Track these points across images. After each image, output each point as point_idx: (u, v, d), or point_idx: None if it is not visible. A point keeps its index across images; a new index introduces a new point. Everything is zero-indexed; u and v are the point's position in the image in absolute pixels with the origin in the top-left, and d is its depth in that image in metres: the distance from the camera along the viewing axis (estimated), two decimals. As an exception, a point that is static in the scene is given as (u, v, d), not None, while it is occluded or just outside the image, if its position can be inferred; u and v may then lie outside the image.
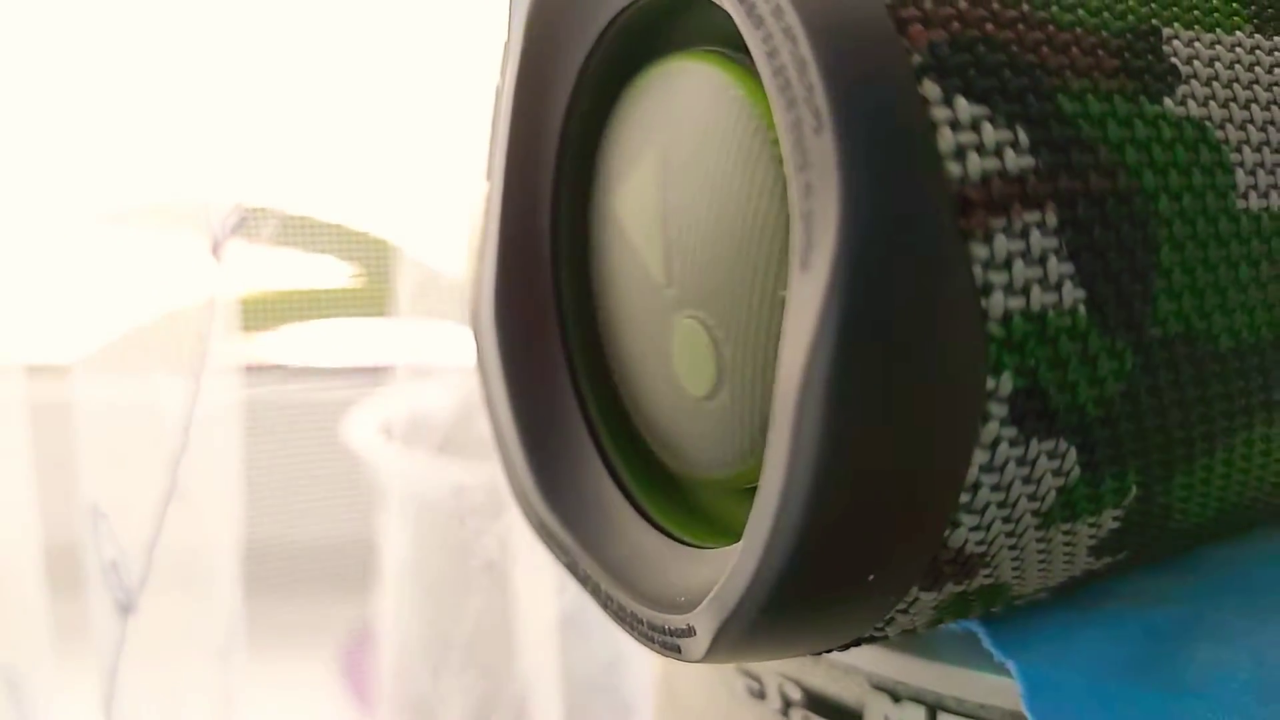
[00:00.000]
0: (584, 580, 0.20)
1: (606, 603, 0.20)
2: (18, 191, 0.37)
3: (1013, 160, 0.14)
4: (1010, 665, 0.19)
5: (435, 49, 0.40)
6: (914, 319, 0.14)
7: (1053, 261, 0.15)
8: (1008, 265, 0.14)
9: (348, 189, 0.46)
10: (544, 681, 0.38)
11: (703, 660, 0.17)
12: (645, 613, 0.18)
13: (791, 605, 0.15)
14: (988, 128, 0.14)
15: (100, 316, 0.34)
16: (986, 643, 0.19)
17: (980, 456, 0.15)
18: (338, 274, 0.48)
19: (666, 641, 0.18)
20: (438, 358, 0.43)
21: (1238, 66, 0.17)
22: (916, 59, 0.14)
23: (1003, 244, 0.14)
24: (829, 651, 0.18)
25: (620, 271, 0.20)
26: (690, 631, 0.17)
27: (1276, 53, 0.17)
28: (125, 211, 0.35)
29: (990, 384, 0.15)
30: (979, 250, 0.14)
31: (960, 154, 0.14)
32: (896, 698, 0.20)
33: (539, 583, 0.38)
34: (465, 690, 0.38)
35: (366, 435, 0.43)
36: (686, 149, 0.18)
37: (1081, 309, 0.15)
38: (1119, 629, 0.20)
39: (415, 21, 0.40)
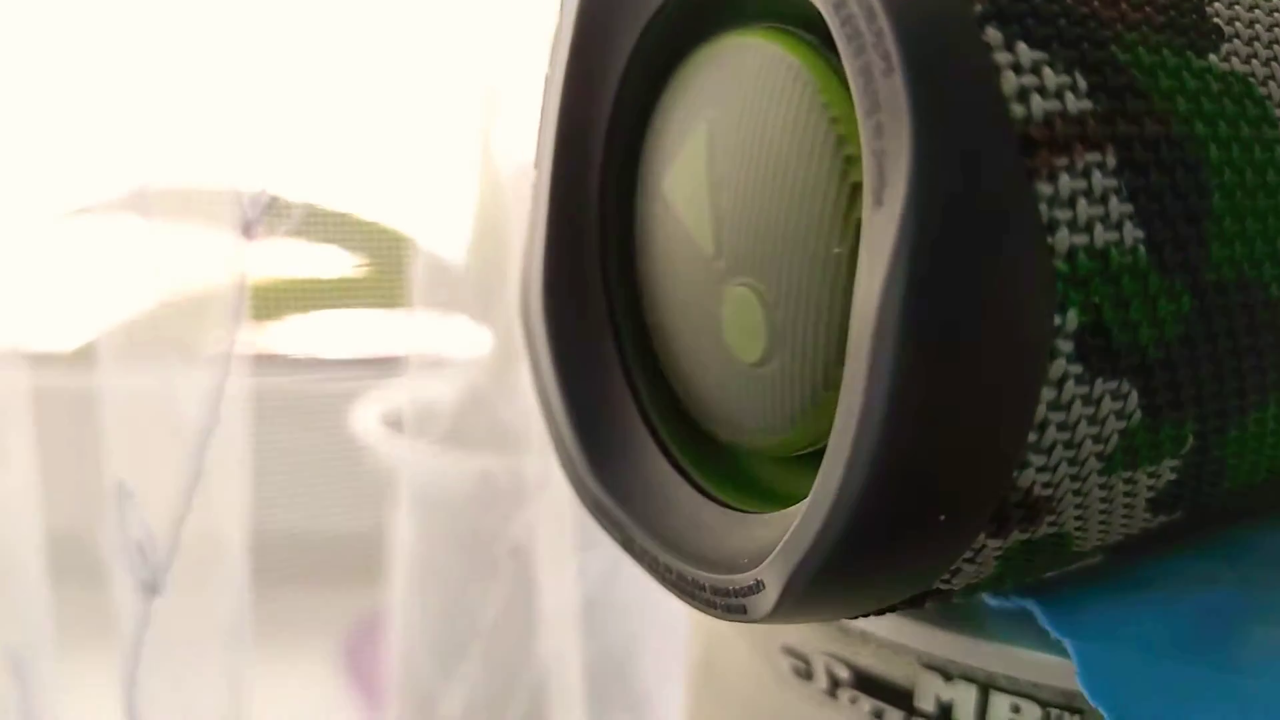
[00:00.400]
0: (640, 556, 0.20)
1: (665, 575, 0.20)
2: (31, 178, 0.36)
3: (1073, 103, 0.15)
4: (1066, 643, 0.19)
5: (449, 42, 0.40)
6: (986, 251, 0.14)
7: (1113, 201, 0.15)
8: (1071, 203, 0.15)
9: (361, 180, 0.46)
10: (563, 667, 0.38)
11: (769, 617, 0.17)
12: (707, 578, 0.18)
13: (864, 545, 0.16)
14: (1048, 72, 0.15)
15: (122, 300, 0.34)
16: (1042, 620, 0.19)
17: (1048, 394, 0.15)
18: (349, 264, 0.48)
19: (730, 604, 0.18)
20: (448, 349, 0.43)
21: (1276, 29, 0.18)
22: (978, 8, 0.15)
23: (1066, 182, 0.15)
24: (894, 609, 0.18)
25: (668, 249, 0.21)
26: (758, 586, 0.17)
27: None
28: (145, 195, 0.35)
29: (1057, 320, 0.15)
30: (1044, 188, 0.15)
31: (1023, 95, 0.15)
32: (948, 676, 0.20)
33: (561, 570, 0.38)
34: (480, 677, 0.38)
35: (372, 425, 0.43)
36: (736, 118, 0.19)
37: (1141, 249, 0.15)
38: (1172, 608, 0.20)
39: (430, 15, 0.40)
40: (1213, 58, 0.17)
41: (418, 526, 0.40)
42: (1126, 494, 0.17)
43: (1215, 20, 0.17)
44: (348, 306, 0.49)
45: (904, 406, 0.15)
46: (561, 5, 0.21)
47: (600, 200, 0.22)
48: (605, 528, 0.21)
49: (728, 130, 0.19)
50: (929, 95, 0.14)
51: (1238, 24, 0.17)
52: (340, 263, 0.48)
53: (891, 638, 0.21)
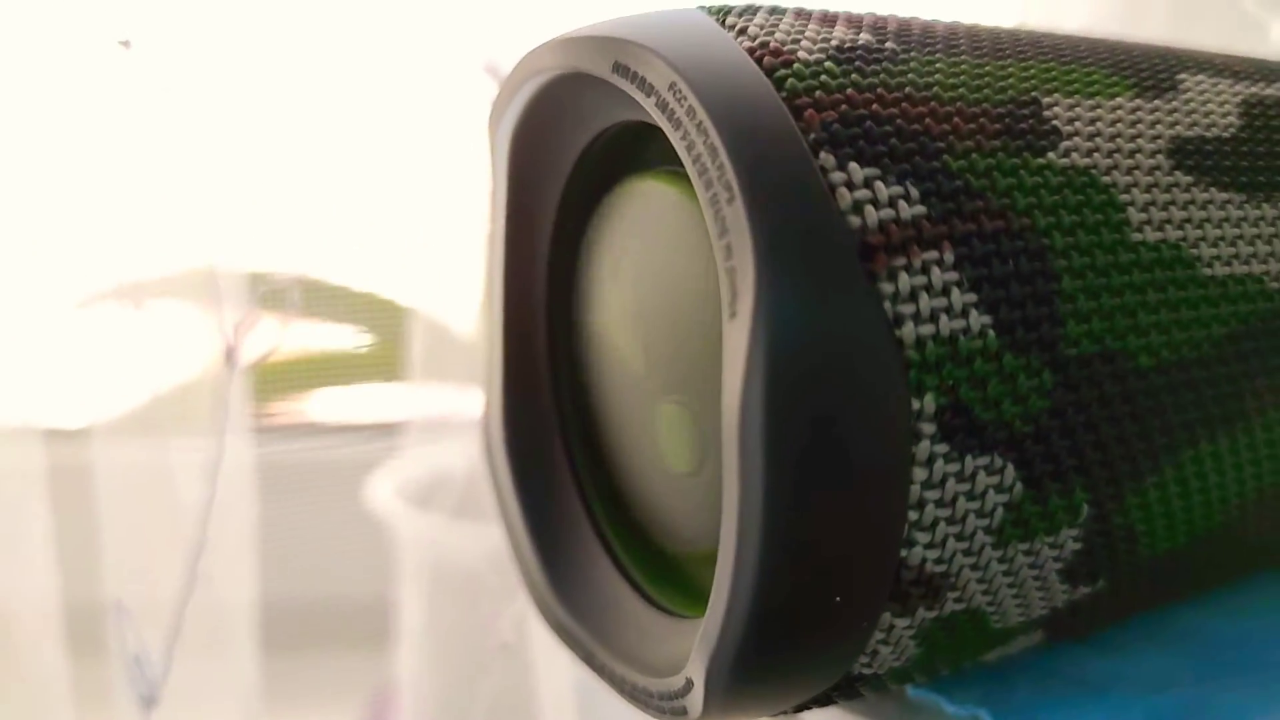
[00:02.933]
0: (600, 669, 0.22)
1: (622, 686, 0.21)
2: (35, 264, 0.37)
3: (905, 210, 0.17)
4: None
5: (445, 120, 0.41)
6: (834, 346, 0.16)
7: (955, 293, 0.17)
8: (914, 298, 0.16)
9: (367, 257, 0.47)
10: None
11: (705, 716, 0.18)
12: (654, 684, 0.20)
13: (769, 628, 0.17)
14: (880, 186, 0.17)
15: (118, 390, 0.35)
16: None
17: (919, 474, 0.16)
18: (353, 339, 0.49)
19: (674, 707, 0.19)
20: (452, 418, 0.43)
21: (1119, 125, 0.19)
22: (812, 136, 0.17)
23: (906, 280, 0.16)
24: (831, 700, 0.19)
25: (606, 373, 0.22)
26: (689, 685, 0.18)
27: (1157, 112, 0.20)
28: (144, 283, 0.36)
29: (915, 404, 0.16)
30: (886, 287, 0.16)
31: (858, 208, 0.16)
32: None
33: (558, 655, 0.38)
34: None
35: (387, 500, 0.43)
36: (643, 252, 0.21)
37: (990, 333, 0.17)
38: (1123, 716, 0.20)
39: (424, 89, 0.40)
40: (1051, 155, 0.18)
41: (427, 602, 0.40)
42: (1031, 565, 0.18)
43: (1054, 122, 0.18)
44: (356, 382, 0.49)
45: (778, 488, 0.16)
46: (492, 166, 0.23)
47: (548, 334, 0.24)
48: (568, 645, 0.22)
49: (638, 264, 0.21)
50: (766, 217, 0.16)
51: (1078, 123, 0.19)
52: (348, 338, 0.49)
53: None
